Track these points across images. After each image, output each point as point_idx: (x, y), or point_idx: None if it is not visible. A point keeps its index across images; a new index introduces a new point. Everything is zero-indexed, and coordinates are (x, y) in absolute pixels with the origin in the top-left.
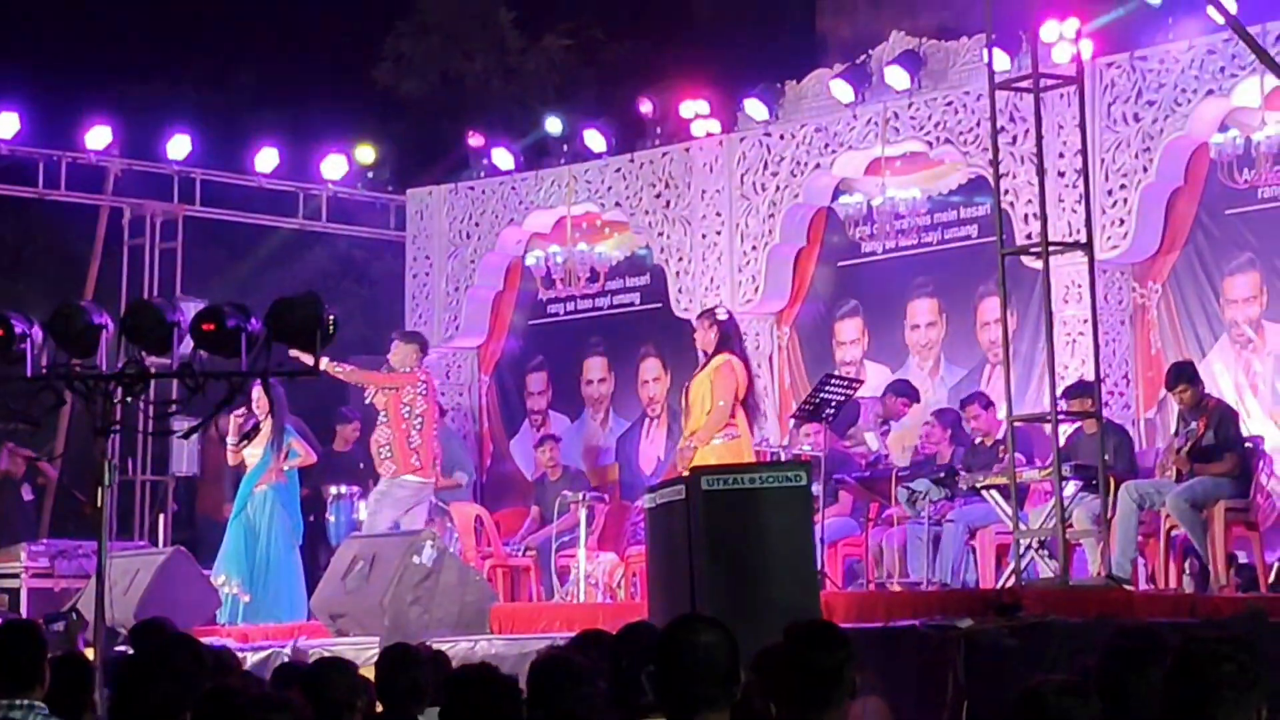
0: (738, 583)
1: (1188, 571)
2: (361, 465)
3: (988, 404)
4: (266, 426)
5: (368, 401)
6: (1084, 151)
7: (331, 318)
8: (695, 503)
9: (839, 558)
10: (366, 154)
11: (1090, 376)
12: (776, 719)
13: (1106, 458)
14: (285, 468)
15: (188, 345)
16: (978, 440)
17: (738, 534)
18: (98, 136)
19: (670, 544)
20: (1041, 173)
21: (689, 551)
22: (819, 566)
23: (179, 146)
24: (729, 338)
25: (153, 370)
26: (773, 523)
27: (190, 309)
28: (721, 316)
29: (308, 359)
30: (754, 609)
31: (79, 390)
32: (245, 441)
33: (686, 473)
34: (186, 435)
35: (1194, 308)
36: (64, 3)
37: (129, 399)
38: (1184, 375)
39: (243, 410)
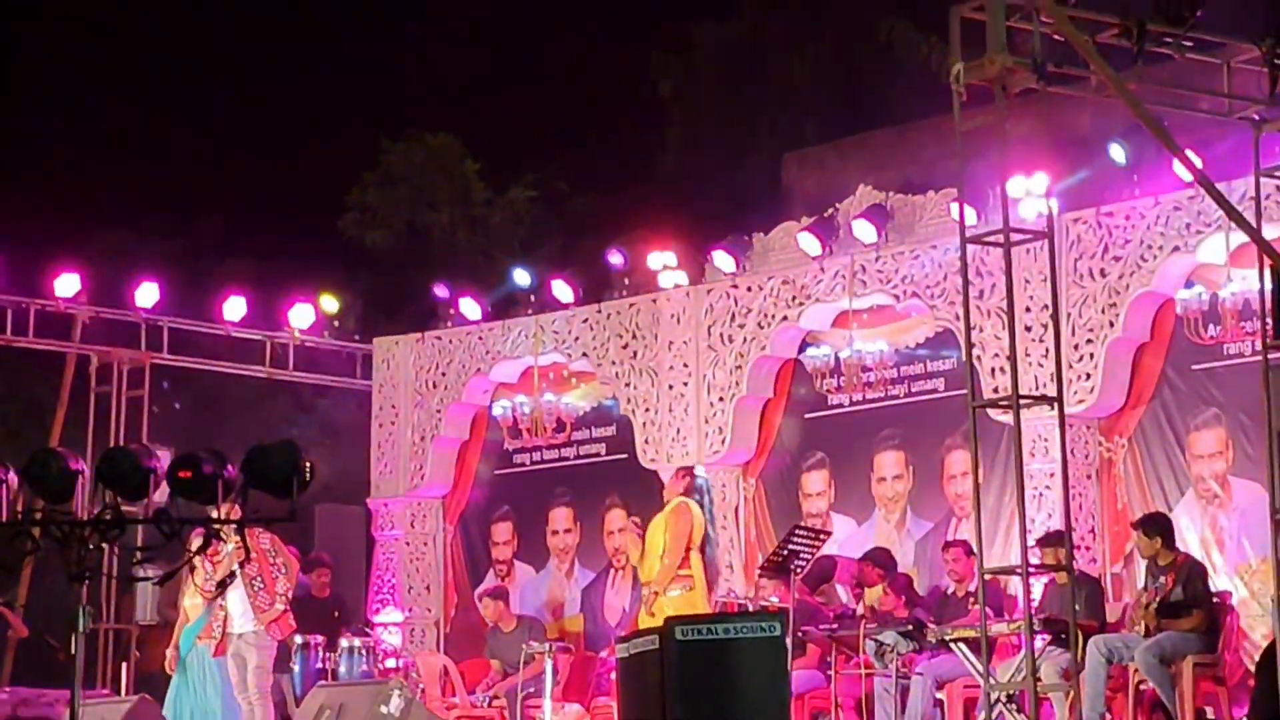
0: None
1: None
2: (336, 614)
3: (970, 551)
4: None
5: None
6: (1053, 306)
7: (309, 464)
8: (669, 653)
9: (806, 710)
10: (331, 303)
11: (1057, 529)
12: None
13: (1077, 608)
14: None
15: (162, 492)
16: (948, 590)
17: (713, 684)
18: (66, 284)
19: (644, 694)
20: (1012, 327)
21: (662, 702)
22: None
23: (147, 294)
24: (695, 492)
25: (129, 516)
26: (748, 672)
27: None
28: (699, 473)
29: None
30: None
31: (55, 536)
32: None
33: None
34: (162, 581)
35: (1160, 462)
36: (32, 150)
37: (103, 545)
38: (1157, 527)
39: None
